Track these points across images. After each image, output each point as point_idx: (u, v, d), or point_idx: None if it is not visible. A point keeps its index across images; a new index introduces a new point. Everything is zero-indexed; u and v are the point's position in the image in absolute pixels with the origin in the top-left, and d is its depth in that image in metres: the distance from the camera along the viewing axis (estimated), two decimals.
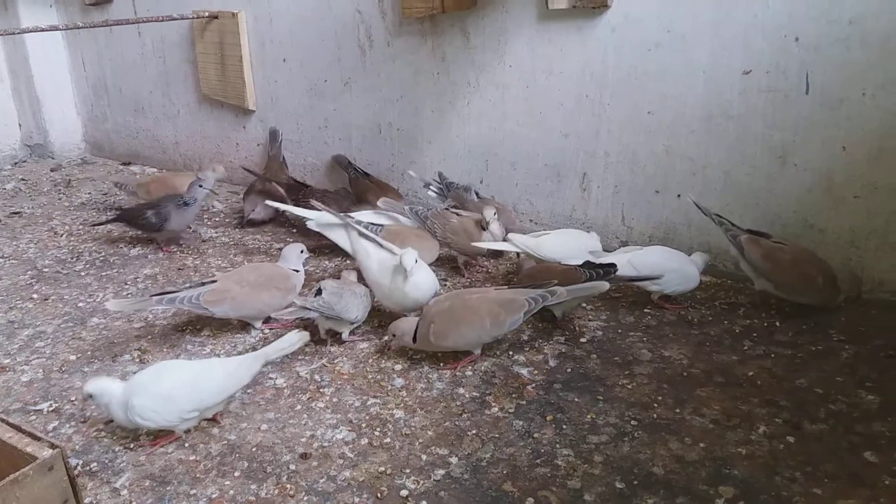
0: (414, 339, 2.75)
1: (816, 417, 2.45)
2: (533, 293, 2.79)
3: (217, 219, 4.61)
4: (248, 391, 2.66)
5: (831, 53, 3.01)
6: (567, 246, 3.36)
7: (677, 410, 2.51)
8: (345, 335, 2.97)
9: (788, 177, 3.25)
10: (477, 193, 3.98)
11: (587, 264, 3.05)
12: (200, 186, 4.03)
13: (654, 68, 3.42)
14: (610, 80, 3.56)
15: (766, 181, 3.31)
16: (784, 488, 2.13)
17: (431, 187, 4.02)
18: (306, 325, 2.98)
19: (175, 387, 2.34)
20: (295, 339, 2.59)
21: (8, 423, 1.93)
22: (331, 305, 2.82)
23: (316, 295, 2.85)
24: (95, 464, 2.30)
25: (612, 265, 3.01)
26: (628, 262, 3.14)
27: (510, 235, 3.47)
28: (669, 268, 3.15)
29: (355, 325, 2.99)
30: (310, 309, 2.80)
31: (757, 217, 3.35)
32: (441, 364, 2.81)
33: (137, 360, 2.91)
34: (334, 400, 2.62)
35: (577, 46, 3.59)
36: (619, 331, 3.07)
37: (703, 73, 3.31)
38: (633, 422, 2.45)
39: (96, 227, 4.40)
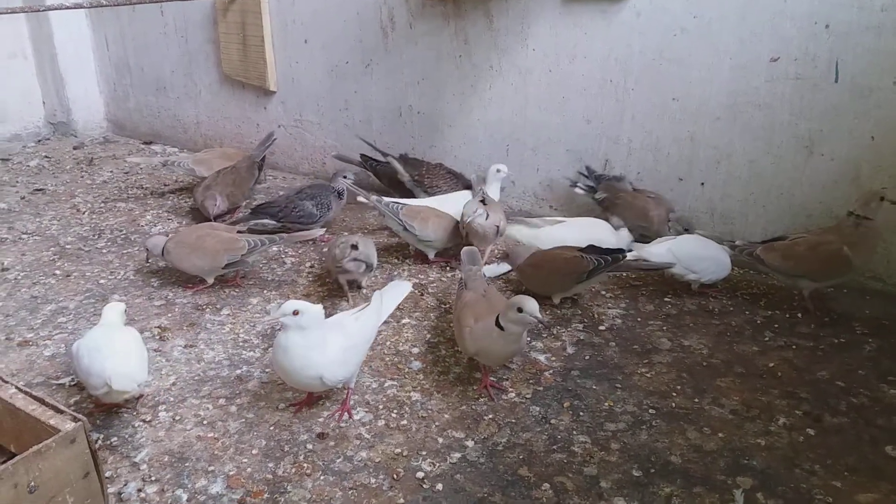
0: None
1: (837, 410, 2.42)
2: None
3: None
4: (266, 370, 2.68)
5: (862, 41, 2.94)
6: (571, 240, 3.21)
7: (696, 400, 2.49)
8: (363, 283, 3.29)
9: (815, 167, 3.20)
10: (631, 184, 3.64)
11: (591, 248, 3.03)
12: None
13: (680, 54, 3.37)
14: (634, 65, 3.51)
15: (791, 171, 3.26)
16: (803, 481, 2.11)
17: (579, 185, 3.74)
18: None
19: (92, 358, 2.34)
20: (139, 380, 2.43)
21: (32, 396, 1.96)
22: (368, 255, 3.14)
23: (352, 249, 3.09)
24: (116, 438, 2.33)
25: (620, 250, 2.99)
26: (668, 250, 3.13)
27: (509, 226, 3.44)
28: (706, 256, 3.13)
29: (372, 274, 3.32)
30: (362, 261, 3.11)
31: (781, 207, 3.31)
32: (457, 349, 2.81)
33: (158, 337, 2.94)
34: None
35: (602, 30, 3.55)
36: (639, 319, 3.05)
37: (729, 60, 3.26)
38: (651, 410, 2.44)
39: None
